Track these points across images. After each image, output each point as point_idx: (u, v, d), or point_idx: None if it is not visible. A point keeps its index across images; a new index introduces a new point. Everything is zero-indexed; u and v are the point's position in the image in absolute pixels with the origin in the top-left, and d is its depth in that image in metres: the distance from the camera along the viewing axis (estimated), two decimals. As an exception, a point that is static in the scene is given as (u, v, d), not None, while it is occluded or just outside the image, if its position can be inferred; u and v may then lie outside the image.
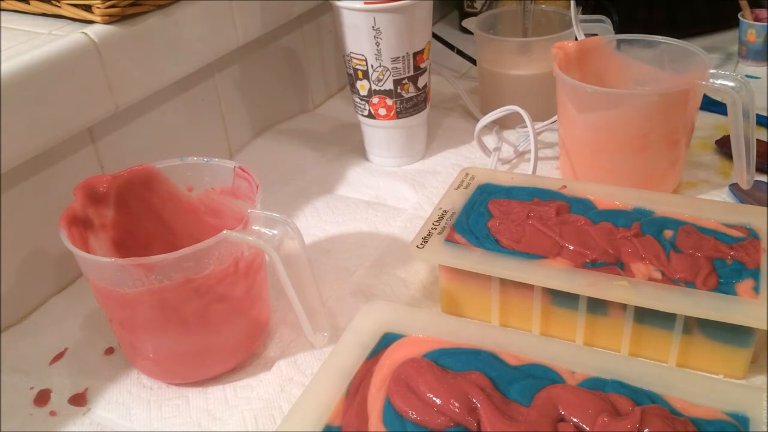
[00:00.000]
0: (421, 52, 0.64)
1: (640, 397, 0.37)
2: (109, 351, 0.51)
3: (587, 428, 0.35)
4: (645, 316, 0.44)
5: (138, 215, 0.50)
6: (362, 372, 0.40)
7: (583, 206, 0.51)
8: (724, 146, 0.66)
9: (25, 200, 0.53)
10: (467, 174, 0.56)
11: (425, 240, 0.49)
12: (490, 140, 0.72)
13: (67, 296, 0.56)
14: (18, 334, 0.53)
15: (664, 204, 0.51)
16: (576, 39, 0.69)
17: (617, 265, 0.46)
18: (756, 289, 0.43)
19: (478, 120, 0.69)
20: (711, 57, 0.58)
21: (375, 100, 0.66)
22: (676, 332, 0.44)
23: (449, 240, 0.49)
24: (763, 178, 0.62)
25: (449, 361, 0.39)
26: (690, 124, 0.58)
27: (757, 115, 0.62)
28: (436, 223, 0.51)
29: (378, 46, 0.62)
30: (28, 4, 0.57)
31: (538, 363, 0.39)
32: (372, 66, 0.64)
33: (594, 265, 0.46)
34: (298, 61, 0.80)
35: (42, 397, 0.47)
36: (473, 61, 0.86)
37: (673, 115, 0.56)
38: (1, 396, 0.47)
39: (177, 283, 0.42)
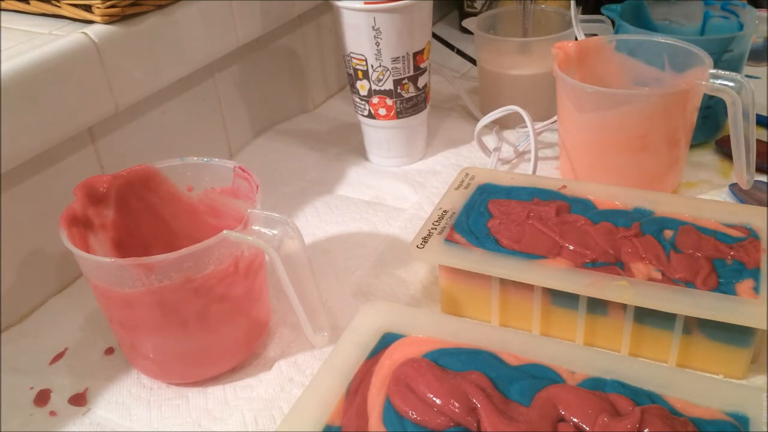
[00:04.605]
0: (421, 52, 0.64)
1: (640, 397, 0.37)
2: (109, 351, 0.51)
3: (587, 428, 0.35)
4: (645, 316, 0.44)
5: (138, 215, 0.50)
6: (362, 372, 0.40)
7: (583, 206, 0.51)
8: (724, 146, 0.66)
9: (25, 200, 0.53)
10: (467, 174, 0.56)
11: (425, 240, 0.49)
12: (490, 140, 0.72)
13: (67, 296, 0.56)
14: (18, 334, 0.53)
15: (664, 204, 0.51)
16: (576, 39, 0.69)
17: (617, 265, 0.46)
18: (756, 289, 0.43)
19: (478, 120, 0.69)
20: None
21: (375, 100, 0.66)
22: (676, 332, 0.44)
23: (449, 240, 0.49)
24: (763, 178, 0.62)
25: (449, 361, 0.39)
26: (690, 124, 0.58)
27: (757, 115, 0.62)
28: (436, 223, 0.51)
29: (378, 46, 0.62)
30: (28, 4, 0.57)
31: (538, 363, 0.39)
32: (372, 66, 0.64)
33: (594, 265, 0.46)
34: (298, 61, 0.80)
35: (42, 397, 0.47)
36: (473, 61, 0.86)
37: (673, 115, 0.56)
38: (1, 396, 0.47)
39: (177, 283, 0.42)
